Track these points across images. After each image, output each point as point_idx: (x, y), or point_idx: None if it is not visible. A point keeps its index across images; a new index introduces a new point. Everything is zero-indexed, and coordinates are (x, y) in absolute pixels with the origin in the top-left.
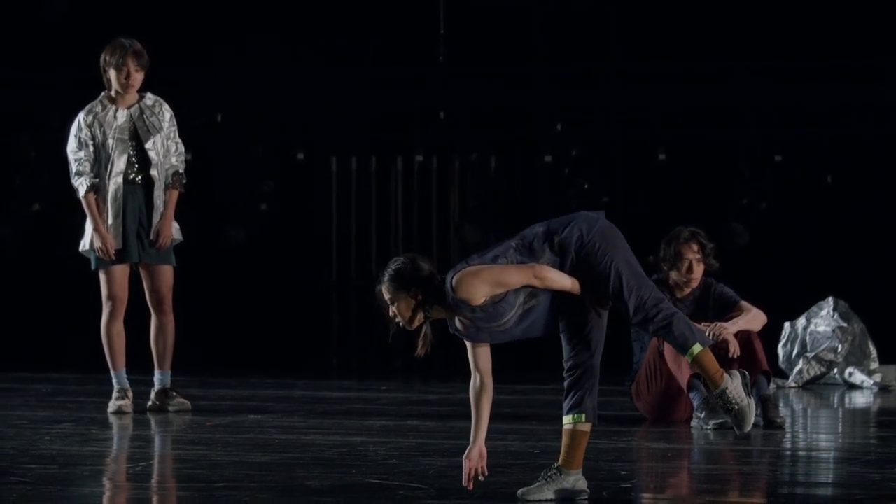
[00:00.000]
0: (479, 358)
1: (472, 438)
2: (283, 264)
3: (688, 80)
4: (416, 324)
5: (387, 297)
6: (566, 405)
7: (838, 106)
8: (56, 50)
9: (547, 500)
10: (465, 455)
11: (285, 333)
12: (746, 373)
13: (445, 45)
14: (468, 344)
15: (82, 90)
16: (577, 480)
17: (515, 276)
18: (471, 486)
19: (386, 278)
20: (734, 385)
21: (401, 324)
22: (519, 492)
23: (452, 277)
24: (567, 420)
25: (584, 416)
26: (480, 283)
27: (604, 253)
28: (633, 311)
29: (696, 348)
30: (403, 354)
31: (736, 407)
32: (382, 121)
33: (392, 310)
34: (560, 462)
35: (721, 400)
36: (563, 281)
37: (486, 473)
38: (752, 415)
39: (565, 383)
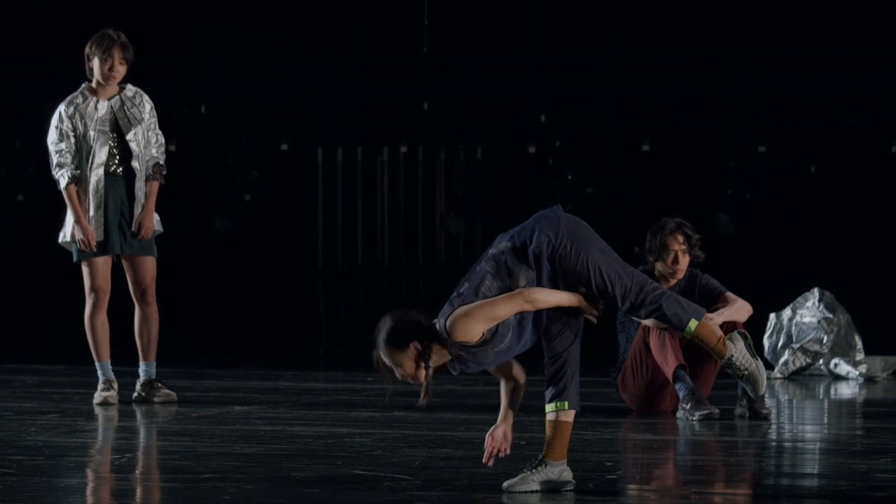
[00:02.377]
0: (496, 371)
1: (499, 418)
2: (268, 255)
3: (673, 70)
4: (423, 376)
5: (388, 361)
6: (548, 394)
7: (825, 96)
8: (43, 40)
9: (532, 492)
10: (489, 432)
11: (271, 324)
12: (746, 332)
13: (430, 35)
14: None
15: (69, 80)
16: (562, 471)
17: (506, 308)
18: (490, 463)
19: (382, 344)
20: (738, 350)
21: (409, 379)
22: (504, 484)
23: (445, 322)
24: (550, 409)
25: (566, 403)
26: (474, 323)
27: (577, 252)
28: (620, 301)
29: (693, 324)
30: None
31: (745, 372)
32: (368, 111)
33: (398, 372)
34: (544, 453)
35: (730, 368)
36: (553, 298)
37: (508, 453)
38: (763, 376)
39: (547, 372)
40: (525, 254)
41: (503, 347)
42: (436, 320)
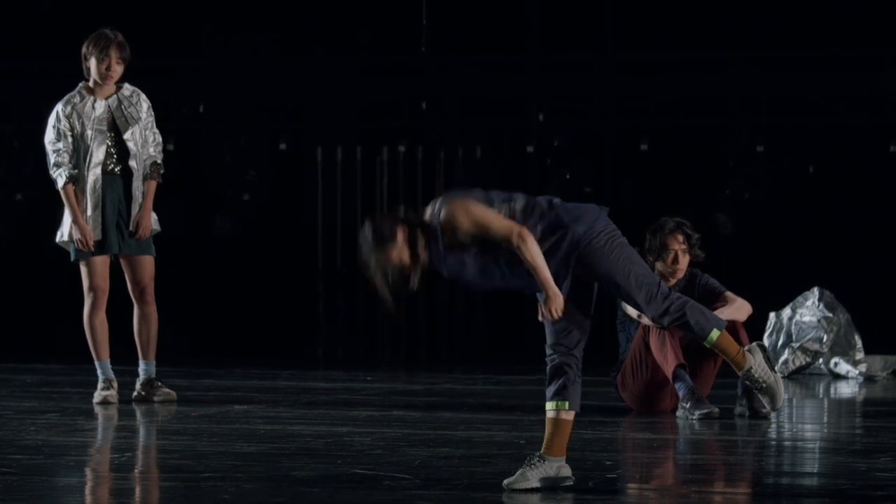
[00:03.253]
0: None
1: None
2: (268, 254)
3: (672, 70)
4: (417, 267)
5: (378, 261)
6: (549, 392)
7: (824, 96)
8: (42, 40)
9: (532, 489)
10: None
11: (270, 323)
12: (764, 344)
13: (428, 35)
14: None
15: (68, 80)
16: (560, 468)
17: (500, 226)
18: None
19: (371, 243)
20: (757, 362)
21: (408, 277)
22: (504, 482)
23: (440, 201)
24: (550, 407)
25: (567, 403)
26: (468, 213)
27: (611, 249)
28: (645, 306)
29: (715, 334)
30: (390, 346)
31: (764, 385)
32: (368, 111)
33: (391, 270)
34: (543, 450)
35: (749, 380)
36: (538, 261)
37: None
38: (781, 390)
39: (547, 369)
40: (558, 223)
41: (457, 264)
42: (432, 202)
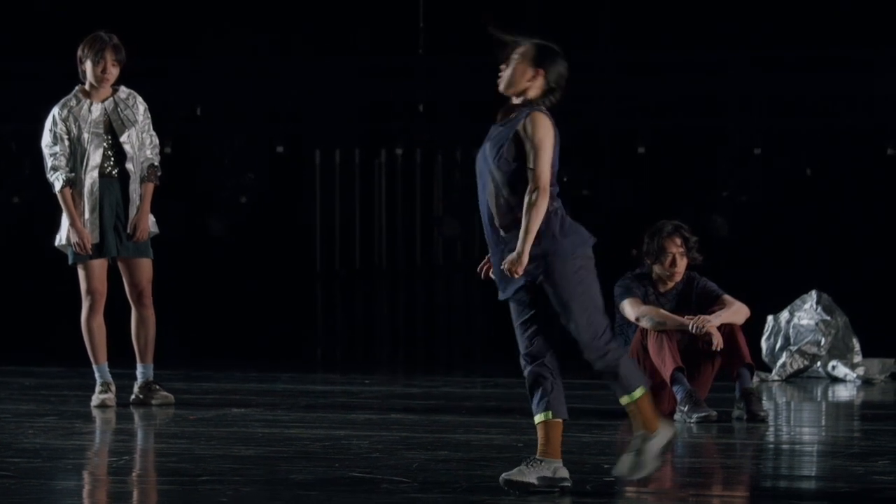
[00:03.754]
0: None
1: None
2: (266, 257)
3: (668, 70)
4: (511, 90)
5: (515, 56)
6: (533, 405)
7: (821, 97)
8: (38, 41)
9: (528, 483)
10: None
11: (269, 326)
12: (677, 432)
13: (426, 37)
14: None
15: (65, 82)
16: (557, 469)
17: (542, 164)
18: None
19: (529, 41)
20: (657, 441)
21: (501, 78)
22: (502, 477)
23: (530, 112)
24: (538, 419)
25: (550, 413)
26: (542, 132)
27: (579, 279)
28: (585, 346)
29: (639, 391)
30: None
31: (641, 457)
32: (366, 113)
33: (507, 65)
34: (538, 454)
35: (639, 441)
36: (534, 225)
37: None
38: (647, 472)
39: (527, 380)
40: (550, 224)
41: (483, 151)
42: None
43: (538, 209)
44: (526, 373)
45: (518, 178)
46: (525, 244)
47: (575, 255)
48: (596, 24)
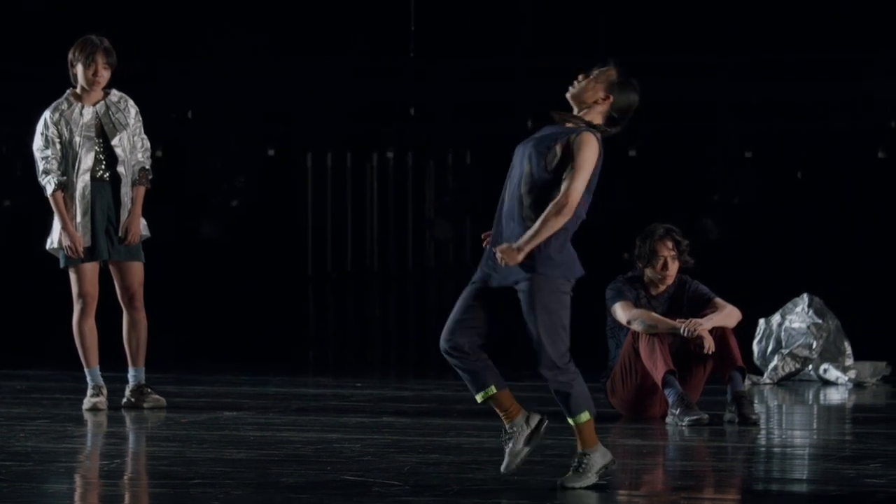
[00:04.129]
0: None
1: None
2: (258, 260)
3: (660, 74)
4: (576, 100)
5: (595, 72)
6: (474, 392)
7: (812, 100)
8: (29, 44)
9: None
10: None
11: (260, 329)
12: (616, 462)
13: (417, 40)
14: None
15: (56, 85)
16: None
17: (576, 183)
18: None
19: (615, 67)
20: (596, 458)
21: (573, 86)
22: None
23: (585, 131)
24: (480, 399)
25: (493, 387)
26: (587, 153)
27: (556, 299)
28: (543, 362)
29: (585, 416)
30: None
31: (584, 474)
32: (358, 116)
33: (586, 77)
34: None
35: (581, 457)
36: (546, 232)
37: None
38: (584, 483)
39: (461, 372)
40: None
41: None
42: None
43: (556, 222)
44: (453, 363)
45: (549, 186)
46: (528, 244)
47: (560, 280)
48: (589, 28)
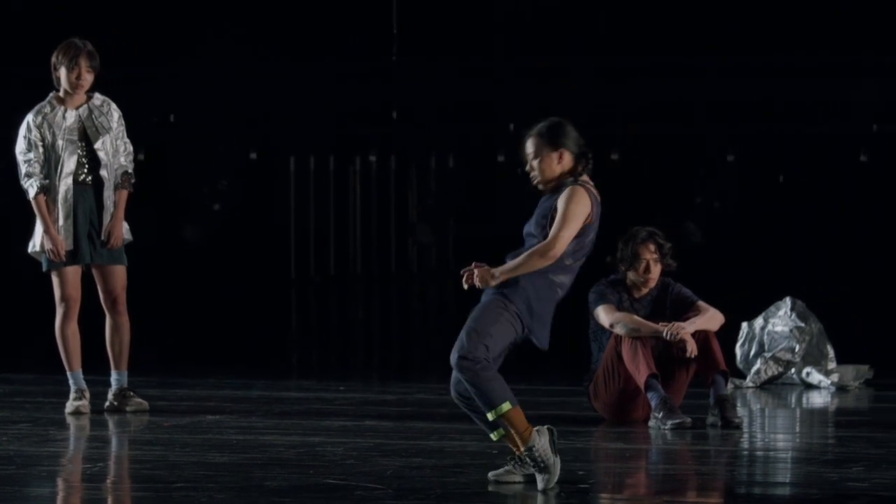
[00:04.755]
0: None
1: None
2: (240, 263)
3: (642, 77)
4: (550, 184)
5: (530, 150)
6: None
7: (794, 104)
8: (10, 47)
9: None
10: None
11: (243, 333)
12: (554, 429)
13: (399, 43)
14: None
15: (37, 88)
16: (541, 440)
17: (562, 233)
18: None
19: (534, 129)
20: (542, 443)
21: (535, 180)
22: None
23: (571, 185)
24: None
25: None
26: (579, 212)
27: (498, 305)
28: (460, 346)
29: (506, 406)
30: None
31: (542, 464)
32: (341, 120)
33: (532, 161)
34: (520, 448)
35: (529, 457)
36: (518, 269)
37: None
38: (556, 472)
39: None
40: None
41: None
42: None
43: (537, 262)
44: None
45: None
46: (505, 274)
47: (518, 314)
48: (569, 32)
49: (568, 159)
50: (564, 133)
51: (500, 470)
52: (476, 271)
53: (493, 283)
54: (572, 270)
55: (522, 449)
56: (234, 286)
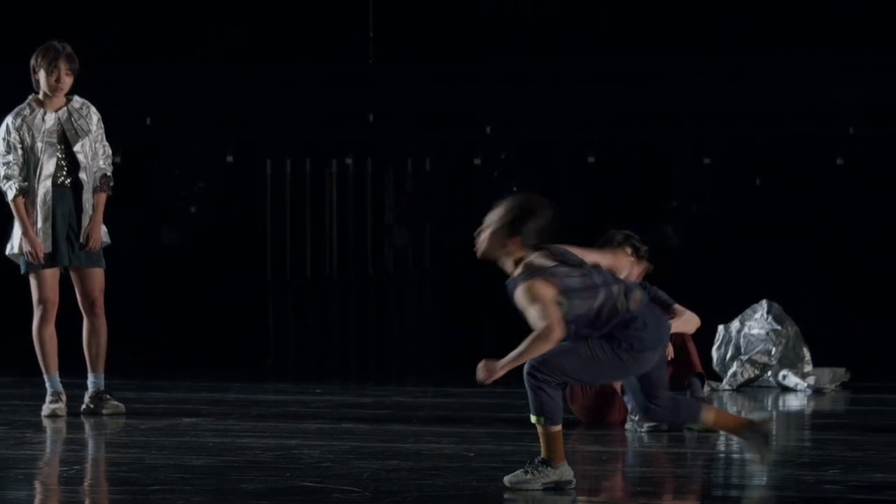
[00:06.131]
0: None
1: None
2: (217, 266)
3: (618, 81)
4: (487, 256)
5: (486, 221)
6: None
7: (770, 107)
8: None
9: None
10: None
11: (220, 336)
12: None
13: (375, 46)
14: None
15: (16, 90)
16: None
17: (538, 315)
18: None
19: (505, 213)
20: (560, 473)
21: (476, 248)
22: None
23: (521, 279)
24: (533, 420)
25: (542, 418)
26: (535, 300)
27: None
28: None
29: (543, 419)
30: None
31: (531, 473)
32: (317, 123)
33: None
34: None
35: (540, 465)
36: (522, 356)
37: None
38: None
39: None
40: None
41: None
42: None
43: (542, 347)
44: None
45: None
46: (510, 363)
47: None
48: (550, 34)
49: (516, 245)
50: (524, 224)
51: (517, 477)
52: (480, 367)
53: (499, 373)
54: (586, 322)
55: (538, 457)
56: (210, 289)
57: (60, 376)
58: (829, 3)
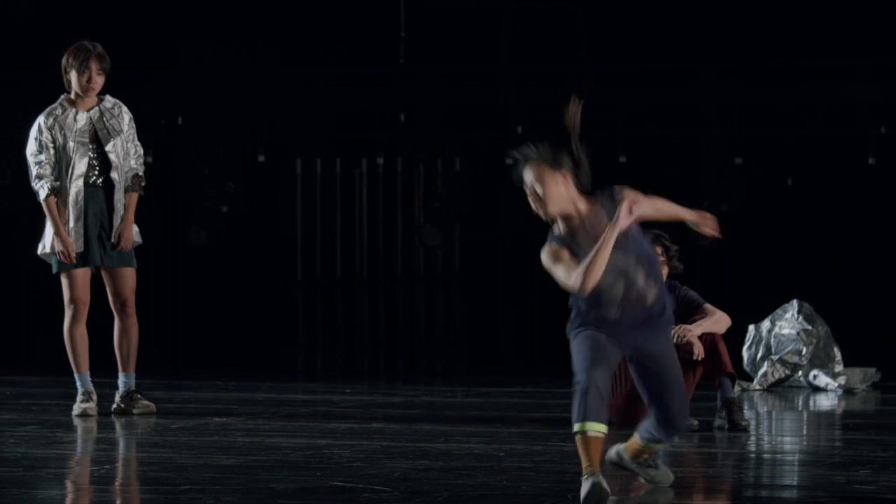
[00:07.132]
0: None
1: None
2: (247, 266)
3: (649, 80)
4: (559, 208)
5: (528, 177)
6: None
7: (801, 107)
8: (16, 50)
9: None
10: None
11: (250, 335)
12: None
13: (406, 47)
14: None
15: (46, 91)
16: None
17: (559, 275)
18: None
19: (542, 157)
20: (594, 482)
21: (544, 212)
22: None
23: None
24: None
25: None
26: (550, 264)
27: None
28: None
29: (584, 426)
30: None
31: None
32: (348, 122)
33: (534, 201)
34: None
35: (589, 480)
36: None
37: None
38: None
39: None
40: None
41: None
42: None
43: (590, 273)
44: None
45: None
46: (606, 245)
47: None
48: (574, 35)
49: (569, 184)
50: (560, 161)
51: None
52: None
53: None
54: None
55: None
56: (241, 288)
57: (91, 376)
58: (866, 2)
